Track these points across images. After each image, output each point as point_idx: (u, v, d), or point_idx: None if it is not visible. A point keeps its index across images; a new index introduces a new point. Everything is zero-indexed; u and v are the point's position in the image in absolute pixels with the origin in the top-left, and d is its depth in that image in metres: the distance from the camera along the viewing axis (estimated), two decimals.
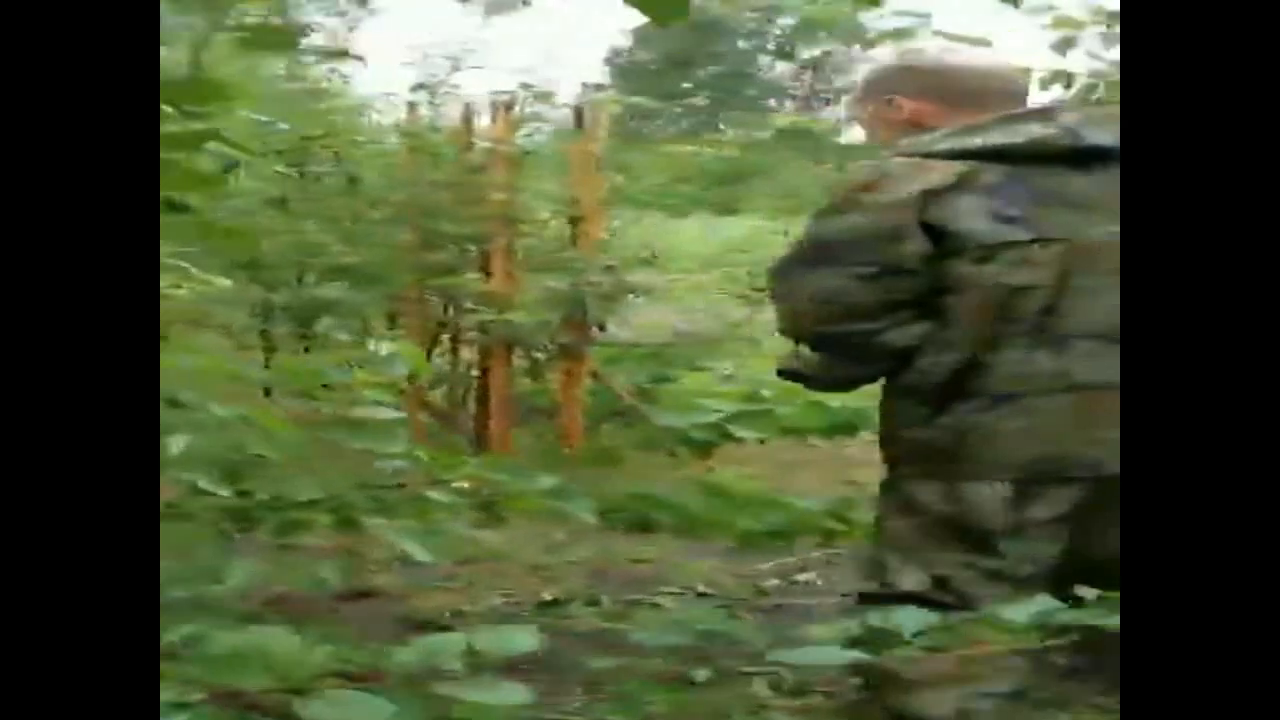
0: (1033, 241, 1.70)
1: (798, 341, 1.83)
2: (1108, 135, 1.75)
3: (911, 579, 1.74)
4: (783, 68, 28.14)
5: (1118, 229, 1.59)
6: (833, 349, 1.80)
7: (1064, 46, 2.69)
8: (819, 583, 2.30)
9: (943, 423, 1.73)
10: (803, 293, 1.77)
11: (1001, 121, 1.77)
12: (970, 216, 1.70)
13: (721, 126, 16.22)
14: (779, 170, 15.56)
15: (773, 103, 27.06)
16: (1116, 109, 1.90)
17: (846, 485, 3.11)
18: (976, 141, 1.74)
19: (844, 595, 2.17)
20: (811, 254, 1.77)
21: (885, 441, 1.84)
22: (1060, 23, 2.54)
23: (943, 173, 1.71)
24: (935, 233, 1.70)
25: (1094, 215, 1.71)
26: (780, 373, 1.92)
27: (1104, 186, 1.71)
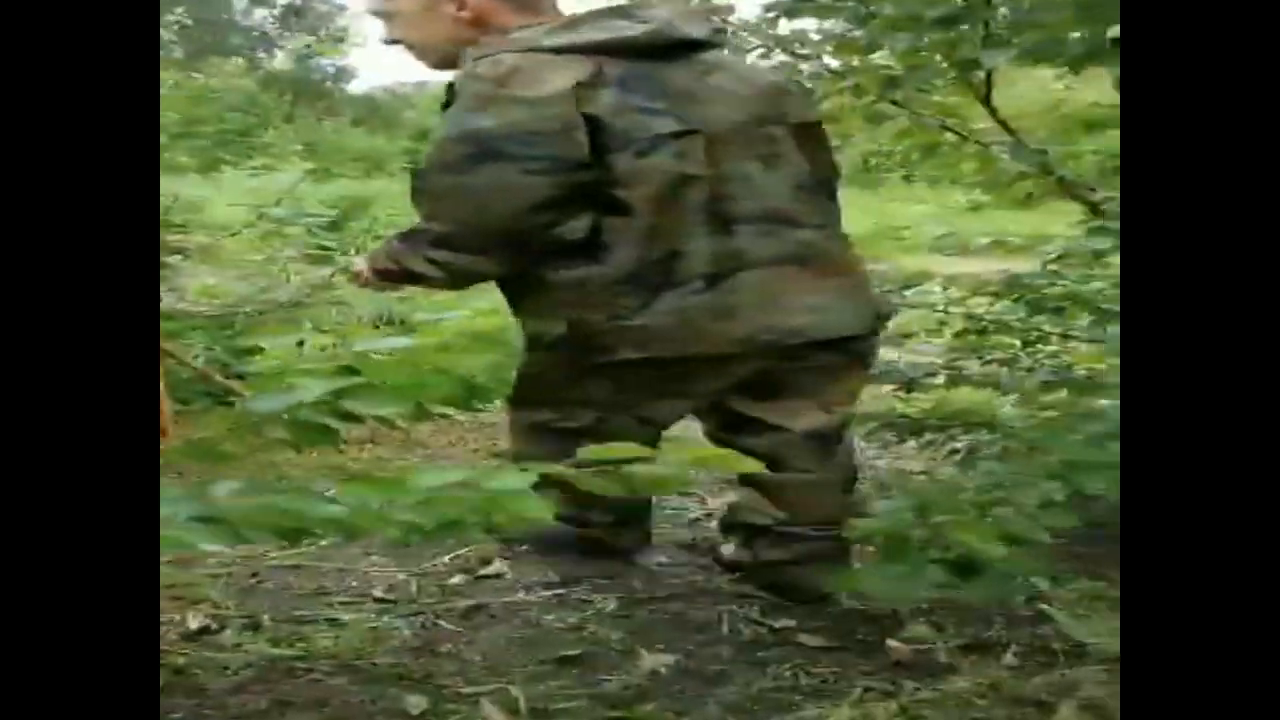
0: (684, 133, 1.75)
1: (450, 243, 1.76)
2: (697, 28, 1.82)
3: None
4: (261, 13, 25.29)
5: (736, 117, 1.78)
6: (506, 246, 1.76)
7: None
8: (508, 574, 2.01)
9: (659, 309, 1.76)
10: (472, 190, 1.72)
11: (593, 18, 1.79)
12: (619, 110, 1.72)
13: (197, 75, 14.97)
14: (276, 119, 15.30)
15: (261, 53, 23.92)
16: (697, 4, 1.99)
17: (498, 458, 2.90)
18: (577, 38, 1.76)
19: (546, 587, 1.94)
20: (473, 150, 1.71)
21: (576, 337, 1.82)
22: None
23: (577, 67, 1.72)
24: (593, 125, 1.70)
25: (715, 106, 1.79)
26: (382, 273, 1.87)
27: (706, 79, 1.80)
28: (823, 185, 1.90)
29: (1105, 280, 2.17)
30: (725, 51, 1.93)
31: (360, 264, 1.94)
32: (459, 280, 1.86)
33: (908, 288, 2.54)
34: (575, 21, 1.79)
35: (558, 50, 1.74)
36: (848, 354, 1.90)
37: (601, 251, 1.76)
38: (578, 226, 1.74)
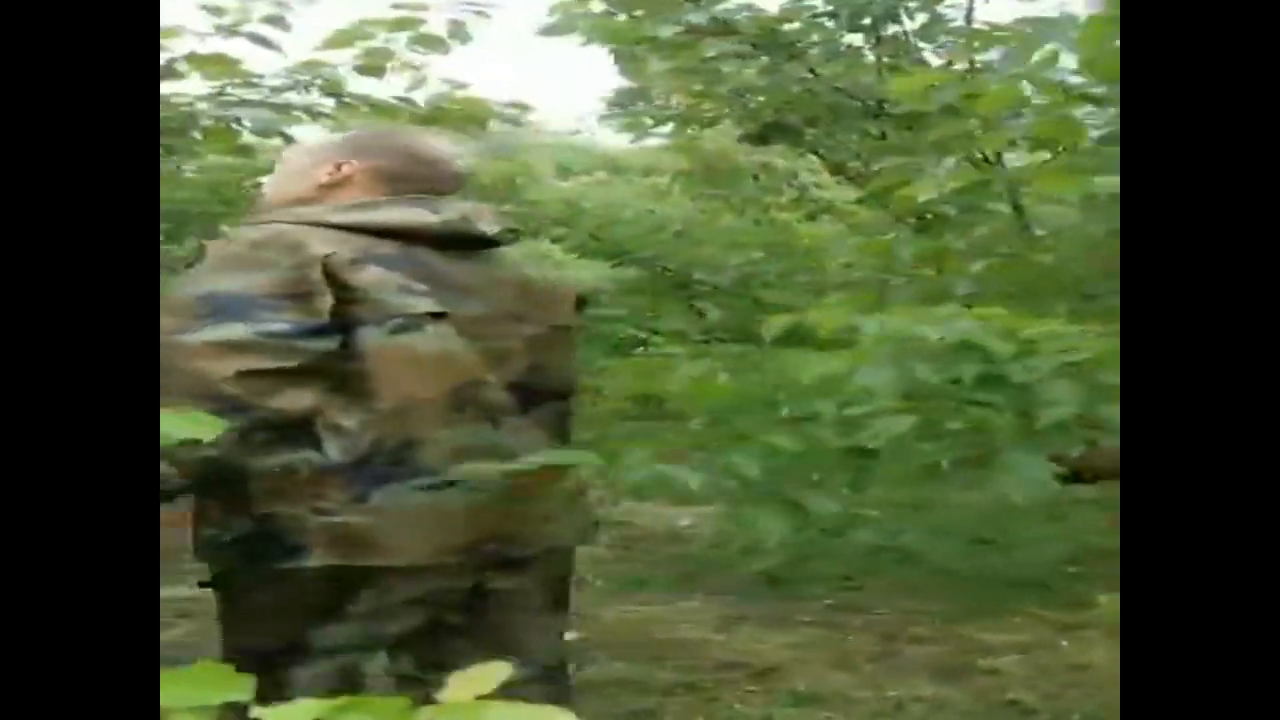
0: (440, 315, 1.71)
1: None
2: (490, 226, 1.83)
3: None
4: None
5: (486, 312, 1.76)
6: (225, 408, 1.51)
7: None
8: None
9: (373, 505, 1.63)
10: (195, 347, 1.55)
11: (393, 204, 1.78)
12: (381, 286, 1.67)
13: None
14: None
15: None
16: (492, 208, 1.97)
17: None
18: (378, 217, 1.74)
19: None
20: (204, 308, 1.58)
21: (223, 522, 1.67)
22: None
23: (345, 241, 1.67)
24: (350, 296, 1.63)
25: (471, 299, 1.77)
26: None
27: (478, 273, 1.80)
28: (538, 390, 1.83)
29: None
30: (508, 249, 1.91)
31: None
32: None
33: None
34: (374, 204, 1.77)
35: (338, 226, 1.70)
36: (563, 566, 1.89)
37: (325, 434, 1.62)
38: (304, 401, 1.60)
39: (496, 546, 1.73)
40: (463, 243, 1.80)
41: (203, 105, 2.85)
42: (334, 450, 1.63)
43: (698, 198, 5.34)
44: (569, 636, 2.09)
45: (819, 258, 4.20)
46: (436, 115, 3.01)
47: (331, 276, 1.62)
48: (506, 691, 0.62)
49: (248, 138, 3.01)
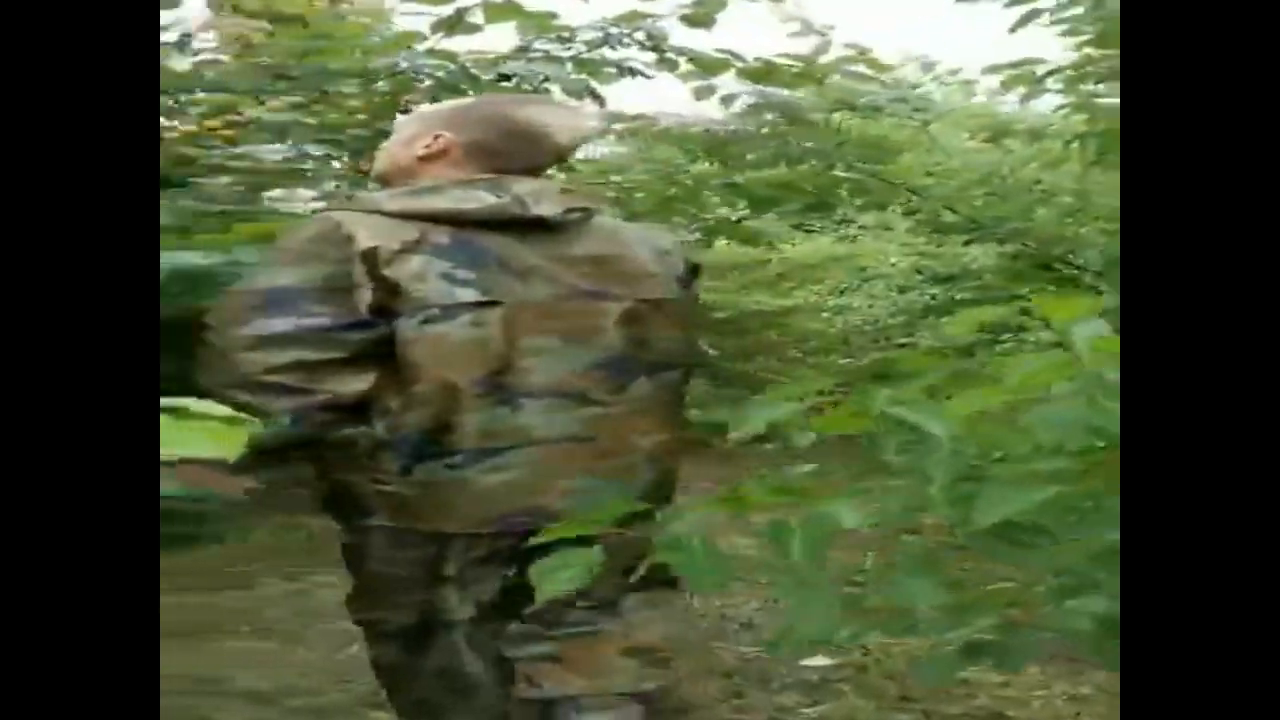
0: (482, 304, 1.77)
1: (221, 394, 1.62)
2: (552, 207, 1.85)
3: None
4: None
5: (555, 292, 1.81)
6: (272, 397, 1.72)
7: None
8: None
9: (417, 478, 1.78)
10: (246, 339, 1.71)
11: (456, 186, 1.83)
12: (422, 276, 1.75)
13: None
14: None
15: None
16: (562, 184, 2.01)
17: None
18: (431, 203, 1.80)
19: None
20: (258, 300, 1.73)
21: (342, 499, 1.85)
22: None
23: (397, 230, 1.76)
24: (389, 288, 1.73)
25: (534, 280, 1.82)
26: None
27: (544, 253, 1.84)
28: (635, 362, 1.88)
29: None
30: (595, 222, 1.93)
31: None
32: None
33: None
34: (435, 189, 1.82)
35: (393, 214, 1.78)
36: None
37: (376, 414, 1.76)
38: (357, 385, 1.75)
39: (527, 520, 1.76)
40: (526, 224, 1.83)
41: (514, 63, 2.67)
42: (380, 427, 1.76)
43: (1093, 166, 4.15)
44: None
45: None
46: (795, 71, 2.75)
47: (373, 270, 1.72)
48: None
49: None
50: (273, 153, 2.62)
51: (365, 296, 1.72)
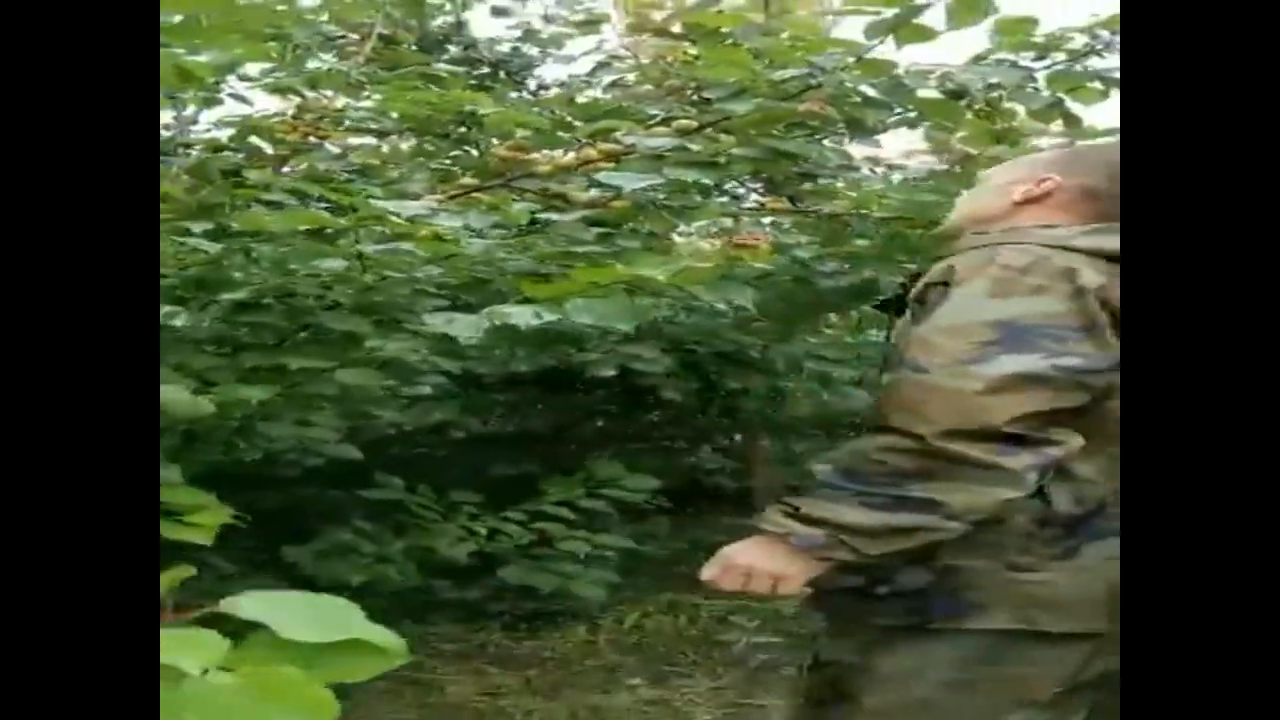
0: None
1: (960, 434, 1.40)
2: None
3: None
4: None
5: None
6: (1013, 451, 1.38)
7: None
8: None
9: (1081, 562, 1.45)
10: (988, 378, 1.41)
11: (1110, 229, 1.57)
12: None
13: None
14: None
15: None
16: None
17: None
18: (1105, 244, 1.52)
19: None
20: (994, 336, 1.44)
21: None
22: None
23: (1102, 270, 1.48)
24: (1117, 329, 1.46)
25: None
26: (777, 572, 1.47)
27: None
28: None
29: None
30: None
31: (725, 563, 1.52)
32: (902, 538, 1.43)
33: None
34: (1108, 230, 1.55)
35: (1087, 252, 1.51)
36: None
37: (1054, 481, 1.44)
38: (1077, 441, 1.42)
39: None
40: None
41: (966, 75, 2.26)
42: (1062, 499, 1.45)
43: None
44: None
45: None
46: None
47: (1107, 307, 1.46)
48: None
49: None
50: (631, 182, 2.27)
51: (1111, 337, 1.43)
